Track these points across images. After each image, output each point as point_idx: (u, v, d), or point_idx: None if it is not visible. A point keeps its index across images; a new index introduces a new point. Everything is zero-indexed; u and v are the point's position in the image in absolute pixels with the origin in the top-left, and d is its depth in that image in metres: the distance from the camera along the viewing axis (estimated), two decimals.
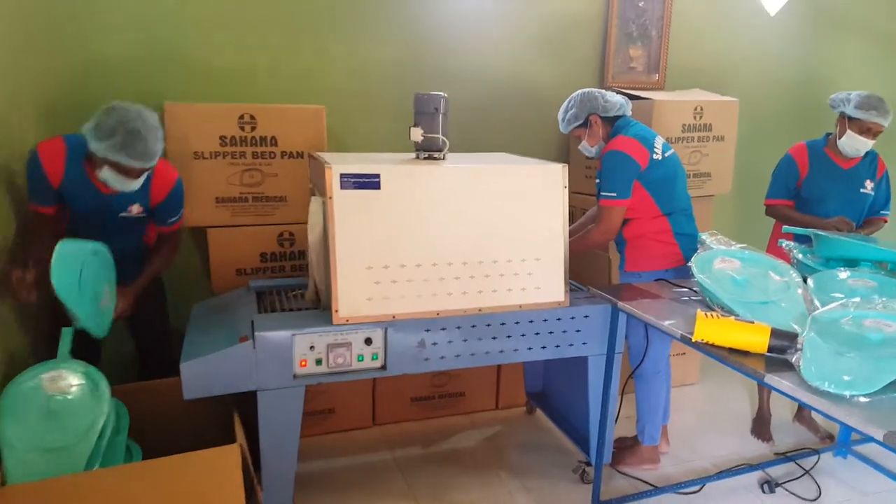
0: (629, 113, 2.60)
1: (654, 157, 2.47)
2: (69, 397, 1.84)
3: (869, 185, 2.77)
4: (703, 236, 2.18)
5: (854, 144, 2.70)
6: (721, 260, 2.02)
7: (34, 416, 1.77)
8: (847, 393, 1.41)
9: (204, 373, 1.99)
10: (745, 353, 1.66)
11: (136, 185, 2.15)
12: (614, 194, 2.45)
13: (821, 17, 4.01)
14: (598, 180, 2.58)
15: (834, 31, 4.07)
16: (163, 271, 2.51)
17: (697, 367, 3.59)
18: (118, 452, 1.92)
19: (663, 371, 2.65)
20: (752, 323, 1.66)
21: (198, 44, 2.86)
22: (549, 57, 3.47)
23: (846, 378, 1.42)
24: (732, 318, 1.70)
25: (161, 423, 2.25)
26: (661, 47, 3.64)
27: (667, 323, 1.89)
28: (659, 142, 2.52)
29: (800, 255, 2.35)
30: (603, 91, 2.58)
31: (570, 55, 3.51)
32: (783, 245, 2.46)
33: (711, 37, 3.78)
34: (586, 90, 2.59)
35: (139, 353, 2.60)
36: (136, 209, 2.29)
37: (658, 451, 2.73)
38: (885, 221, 2.85)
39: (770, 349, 1.62)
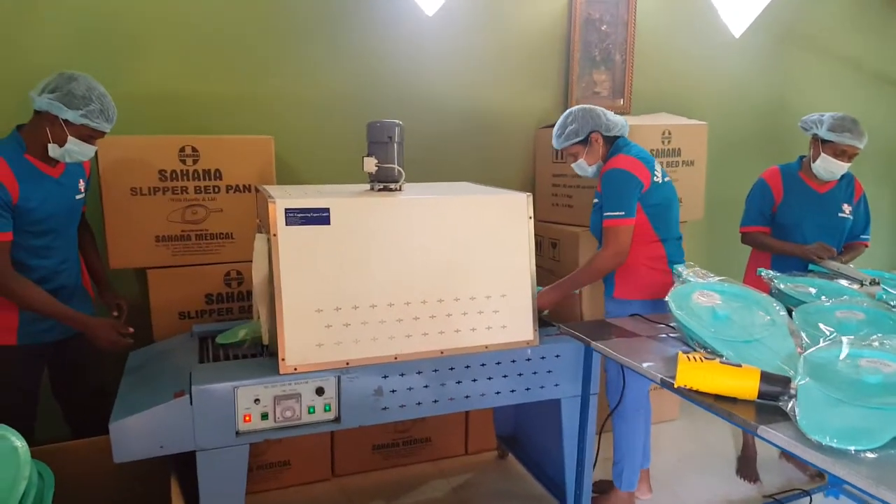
0: (627, 134, 2.48)
1: (655, 179, 2.34)
2: None
3: (847, 208, 2.67)
4: (679, 268, 2.03)
5: (829, 168, 2.60)
6: (700, 294, 1.88)
7: None
8: (852, 448, 1.25)
9: (135, 433, 1.78)
10: (733, 400, 1.49)
11: (94, 150, 2.09)
12: (621, 213, 2.28)
13: (786, 39, 3.98)
14: (596, 201, 2.44)
15: (799, 52, 4.04)
16: None
17: (677, 402, 3.43)
18: None
19: (644, 408, 2.48)
20: (740, 366, 1.50)
21: (134, 70, 2.68)
22: (512, 83, 3.36)
23: (849, 431, 1.27)
24: (717, 360, 1.54)
25: (92, 487, 2.02)
26: (626, 71, 3.55)
27: (645, 365, 1.73)
28: (658, 166, 2.40)
29: (781, 285, 2.22)
30: (604, 109, 2.45)
31: (532, 81, 3.40)
32: (762, 274, 2.33)
33: (677, 60, 3.71)
34: (587, 106, 2.46)
35: (67, 414, 2.36)
36: (82, 185, 2.22)
37: (634, 497, 2.55)
38: (867, 246, 2.76)
39: (760, 395, 1.46)
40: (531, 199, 2.14)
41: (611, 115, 2.43)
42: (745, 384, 1.46)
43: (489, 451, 3.04)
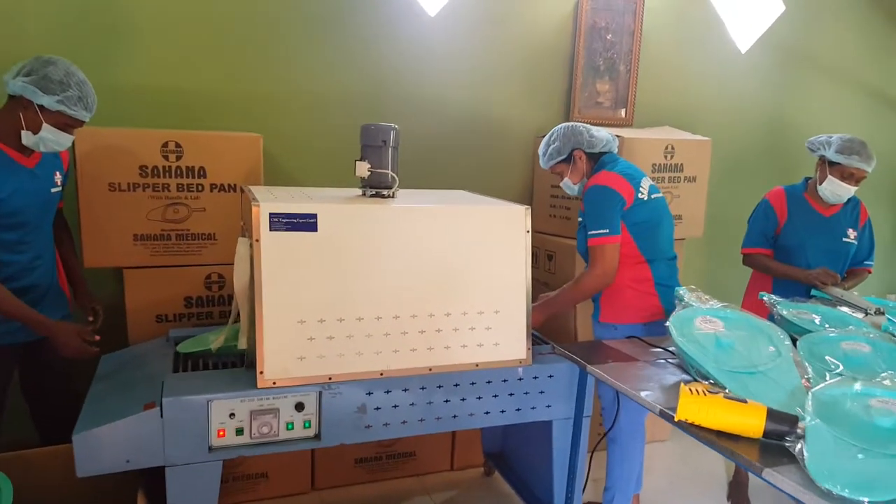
0: (615, 149, 2.39)
1: (640, 196, 2.24)
2: None
3: (852, 233, 2.60)
4: (681, 291, 1.95)
5: (836, 191, 2.52)
6: (702, 320, 1.79)
7: None
8: (865, 499, 1.16)
9: (100, 446, 1.67)
10: (736, 437, 1.41)
11: (71, 140, 1.98)
12: (605, 230, 2.18)
13: (792, 57, 3.90)
14: (580, 220, 2.34)
15: (805, 71, 3.97)
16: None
17: None
18: None
19: (641, 433, 2.39)
20: (745, 402, 1.41)
21: (119, 59, 2.57)
22: (513, 89, 3.28)
23: (861, 480, 1.18)
24: (721, 394, 1.45)
25: (54, 499, 1.92)
26: (630, 82, 3.47)
27: (643, 394, 1.64)
28: (646, 182, 2.30)
29: (784, 312, 2.14)
30: (588, 125, 2.36)
31: (534, 87, 3.32)
32: (764, 298, 2.25)
33: (682, 73, 3.63)
34: (570, 124, 2.37)
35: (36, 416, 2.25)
36: (58, 178, 2.12)
37: None
38: (870, 272, 2.68)
39: (766, 434, 1.37)
40: (530, 211, 2.05)
41: (595, 131, 2.35)
42: (751, 422, 1.37)
43: (475, 468, 2.94)
